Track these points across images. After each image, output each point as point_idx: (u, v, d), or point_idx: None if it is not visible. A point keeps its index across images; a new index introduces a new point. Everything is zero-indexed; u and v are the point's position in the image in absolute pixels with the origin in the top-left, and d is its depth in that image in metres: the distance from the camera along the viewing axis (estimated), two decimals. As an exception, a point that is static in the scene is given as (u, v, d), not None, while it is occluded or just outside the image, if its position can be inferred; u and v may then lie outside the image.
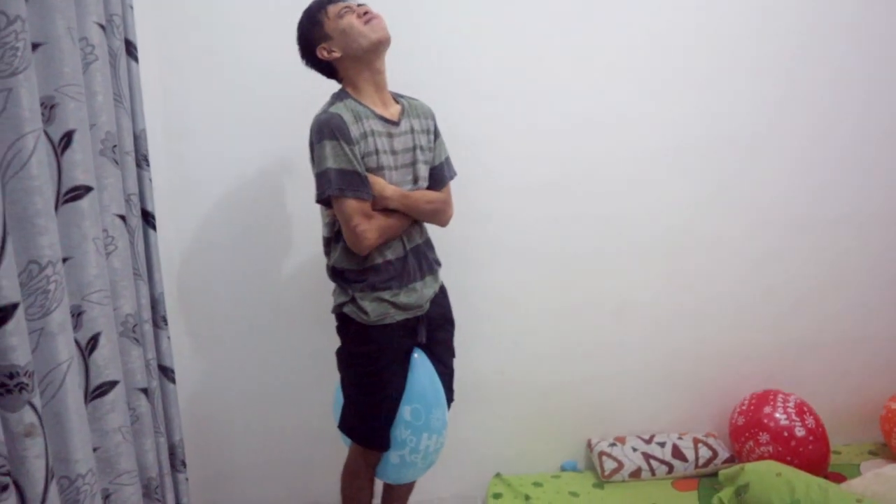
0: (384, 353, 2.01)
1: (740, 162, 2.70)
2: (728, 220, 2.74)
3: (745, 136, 2.68)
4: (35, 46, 1.39)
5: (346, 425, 2.12)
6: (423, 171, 2.09)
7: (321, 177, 1.89)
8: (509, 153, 2.57)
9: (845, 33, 2.66)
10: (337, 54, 1.97)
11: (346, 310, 2.01)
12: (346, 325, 2.05)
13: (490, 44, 2.50)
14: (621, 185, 2.66)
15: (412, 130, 2.06)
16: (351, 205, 1.87)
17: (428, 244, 2.16)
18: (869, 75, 2.69)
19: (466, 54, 2.49)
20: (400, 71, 2.09)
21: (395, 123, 2.01)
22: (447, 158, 2.19)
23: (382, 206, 1.95)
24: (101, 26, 1.64)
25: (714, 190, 2.71)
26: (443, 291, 2.21)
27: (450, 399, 2.22)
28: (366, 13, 1.95)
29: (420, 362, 2.09)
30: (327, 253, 2.06)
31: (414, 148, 2.05)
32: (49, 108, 1.44)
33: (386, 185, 1.96)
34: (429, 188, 2.11)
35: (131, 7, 1.82)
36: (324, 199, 1.90)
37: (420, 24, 2.22)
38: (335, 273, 2.04)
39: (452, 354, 2.25)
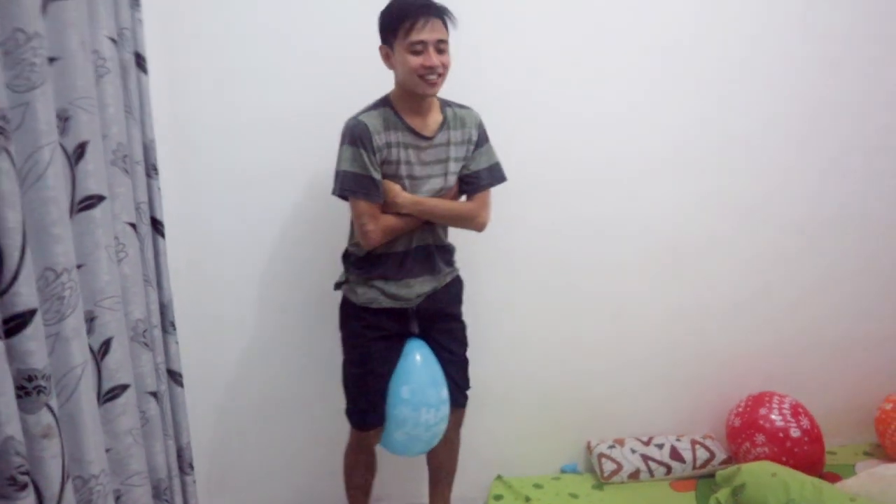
0: (370, 331, 2.22)
1: (736, 164, 2.75)
2: (724, 222, 2.79)
3: (741, 139, 2.73)
4: (51, 61, 1.43)
5: (346, 409, 2.31)
6: (451, 181, 2.23)
7: (337, 176, 2.10)
8: (508, 159, 2.61)
9: (838, 37, 2.71)
10: (389, 66, 2.11)
11: (342, 289, 2.28)
12: (343, 302, 2.29)
13: (490, 50, 2.54)
14: (618, 188, 2.71)
15: (448, 143, 2.18)
16: (361, 205, 2.09)
17: (440, 248, 2.29)
18: (862, 77, 2.74)
19: (468, 60, 2.52)
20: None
21: (428, 138, 2.14)
22: (490, 166, 2.28)
23: (395, 211, 2.13)
24: (113, 40, 1.68)
25: (710, 192, 2.76)
26: (447, 289, 2.32)
27: (465, 385, 2.39)
28: (429, 68, 2.00)
29: (412, 347, 2.28)
30: (351, 234, 2.26)
31: (446, 160, 2.19)
32: (63, 120, 1.48)
33: (399, 193, 2.13)
34: (464, 192, 2.28)
35: (141, 21, 1.87)
36: (339, 195, 2.12)
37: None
38: (345, 254, 2.29)
39: (461, 344, 2.39)
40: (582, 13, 2.58)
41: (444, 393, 2.27)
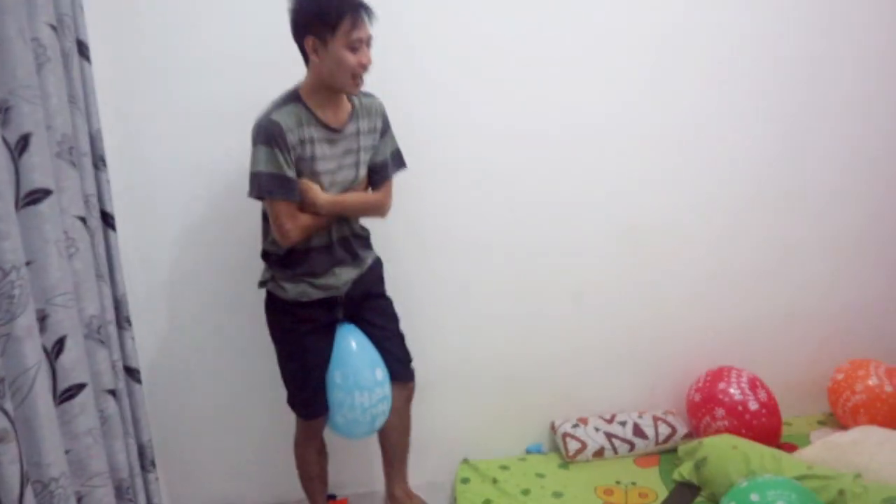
0: (302, 324, 2.22)
1: (689, 147, 2.76)
2: (679, 204, 2.81)
3: (697, 122, 2.74)
4: (-13, 49, 1.37)
5: (288, 400, 2.34)
6: (363, 171, 2.24)
7: (253, 177, 2.05)
8: (466, 144, 2.60)
9: (788, 18, 2.74)
10: (316, 60, 2.01)
11: (268, 287, 2.24)
12: (269, 300, 2.27)
13: (445, 35, 2.51)
14: (576, 170, 2.70)
15: (358, 133, 2.18)
16: (280, 206, 2.06)
17: (357, 236, 2.31)
18: (810, 58, 2.78)
19: (420, 45, 2.50)
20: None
21: (339, 130, 2.12)
22: (393, 152, 2.30)
23: (314, 212, 2.11)
24: (53, 27, 1.62)
25: (664, 175, 2.77)
26: (370, 271, 2.35)
27: (406, 358, 2.43)
28: (364, 66, 2.00)
29: (342, 332, 2.30)
30: (264, 233, 2.23)
31: (358, 150, 2.19)
32: (4, 111, 1.42)
33: (319, 195, 2.10)
34: (370, 183, 2.28)
35: (81, 7, 1.80)
36: (256, 197, 2.08)
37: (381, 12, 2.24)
38: (265, 255, 2.25)
39: (392, 318, 2.42)
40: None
41: (380, 374, 2.30)
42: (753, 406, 2.66)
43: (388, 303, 2.43)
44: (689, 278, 2.88)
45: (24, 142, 1.45)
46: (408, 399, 2.47)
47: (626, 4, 2.61)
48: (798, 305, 3.00)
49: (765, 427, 2.64)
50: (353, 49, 1.97)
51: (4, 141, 1.41)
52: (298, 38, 2.03)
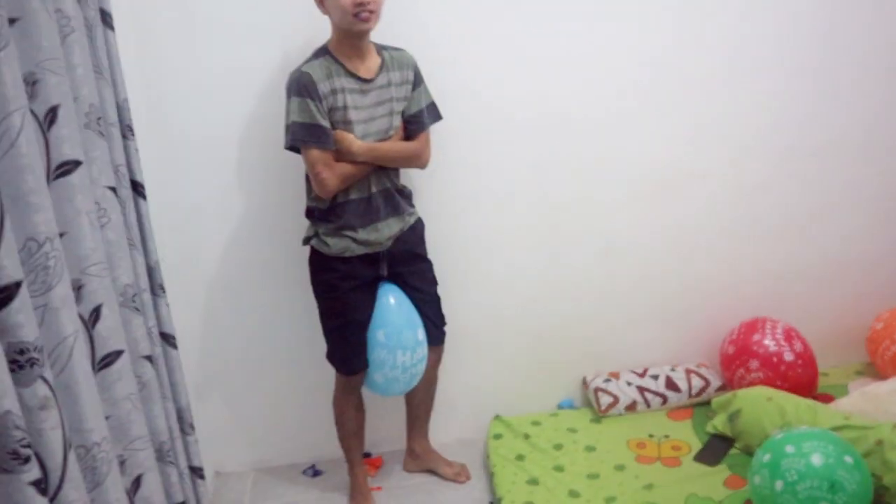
0: (346, 281, 2.29)
1: (722, 96, 2.70)
2: (710, 154, 2.76)
3: (726, 70, 2.67)
4: (11, 22, 1.37)
5: (328, 355, 2.42)
6: (397, 121, 2.30)
7: (288, 129, 2.15)
8: (489, 100, 2.57)
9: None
10: (325, 11, 2.12)
11: (312, 243, 2.31)
12: (313, 255, 2.34)
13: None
14: (603, 123, 2.65)
15: (389, 84, 2.23)
16: (314, 154, 2.13)
17: (399, 189, 2.36)
18: (848, 9, 2.68)
19: (452, 4, 2.46)
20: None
21: (369, 80, 2.19)
22: (429, 105, 2.34)
23: (351, 160, 2.18)
24: (75, -4, 1.61)
25: (697, 124, 2.71)
26: (413, 230, 2.40)
27: (441, 322, 2.52)
28: (360, 4, 2.02)
29: (385, 291, 2.37)
30: (308, 191, 2.30)
31: (390, 100, 2.24)
32: (31, 84, 1.42)
33: (353, 141, 2.18)
34: (407, 134, 2.32)
35: (102, -26, 1.79)
36: (291, 148, 2.18)
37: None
38: (308, 212, 2.33)
39: (431, 283, 2.49)
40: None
41: (421, 334, 2.37)
42: (789, 357, 2.63)
43: (428, 266, 2.48)
44: (722, 228, 2.84)
45: (52, 114, 1.46)
46: (436, 362, 2.55)
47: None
48: (836, 254, 2.95)
49: (801, 378, 2.62)
50: None
51: (34, 114, 1.42)
52: None
